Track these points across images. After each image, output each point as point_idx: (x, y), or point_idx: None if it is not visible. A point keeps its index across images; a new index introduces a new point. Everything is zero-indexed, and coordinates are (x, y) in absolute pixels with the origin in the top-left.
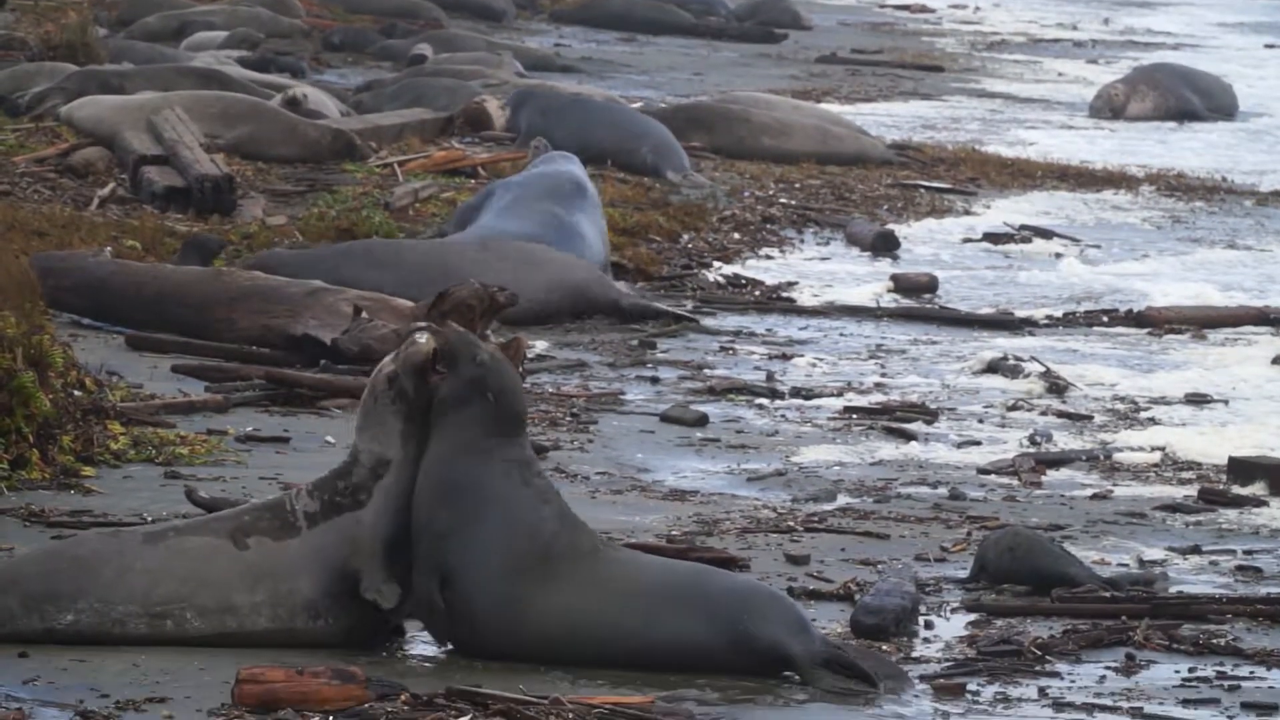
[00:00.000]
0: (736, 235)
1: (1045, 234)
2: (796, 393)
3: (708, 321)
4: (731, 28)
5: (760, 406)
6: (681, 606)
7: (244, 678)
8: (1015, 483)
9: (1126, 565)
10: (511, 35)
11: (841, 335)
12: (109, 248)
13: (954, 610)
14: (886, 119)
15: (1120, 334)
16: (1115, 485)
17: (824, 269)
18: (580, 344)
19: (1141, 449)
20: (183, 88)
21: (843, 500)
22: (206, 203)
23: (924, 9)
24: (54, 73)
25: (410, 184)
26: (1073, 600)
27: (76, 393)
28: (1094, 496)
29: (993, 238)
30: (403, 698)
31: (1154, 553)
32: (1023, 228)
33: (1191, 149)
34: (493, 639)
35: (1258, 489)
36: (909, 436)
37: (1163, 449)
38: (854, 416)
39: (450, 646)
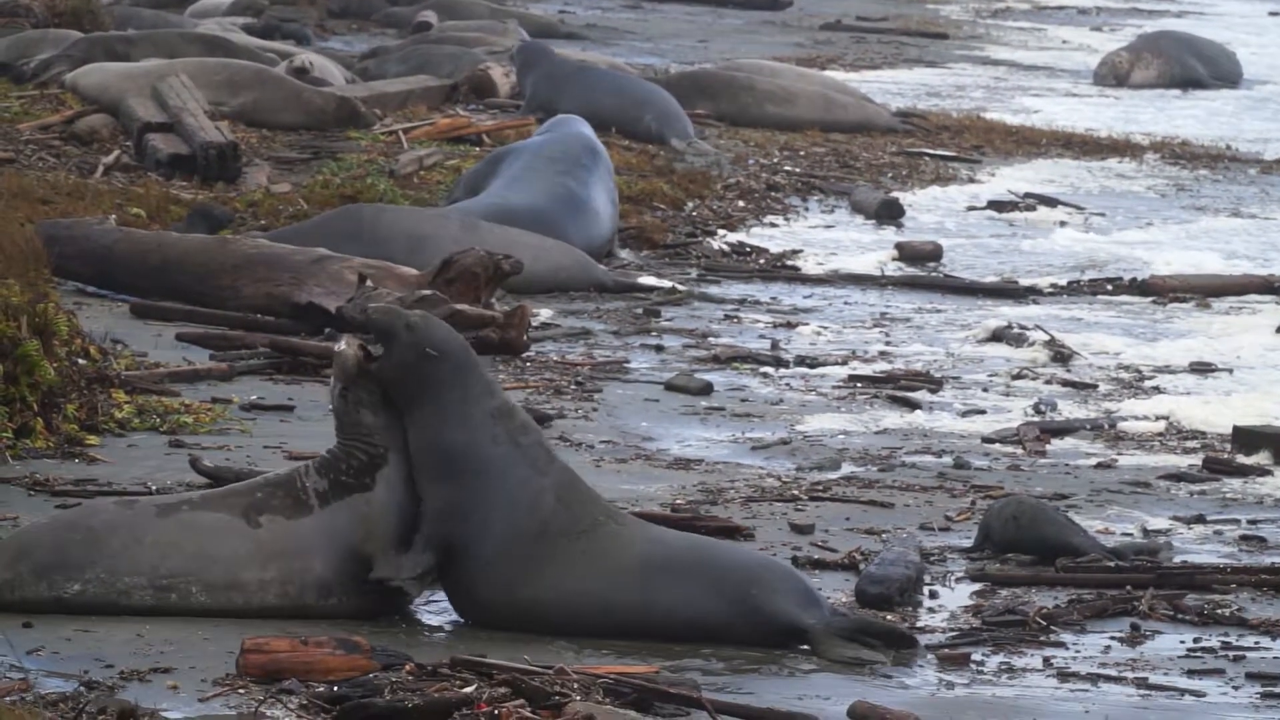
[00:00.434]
0: (741, 203)
1: (1050, 202)
2: (801, 361)
3: (712, 290)
4: None
5: (765, 375)
6: (689, 580)
7: (248, 648)
8: (1020, 452)
9: (1131, 535)
10: (516, 1)
11: (846, 304)
12: (113, 215)
13: (958, 580)
14: (891, 86)
15: (1125, 302)
16: (1120, 454)
17: (828, 237)
18: (585, 312)
19: (1146, 418)
20: (187, 55)
21: (847, 469)
22: (211, 170)
23: None
24: (59, 40)
25: (415, 151)
26: (1077, 570)
27: (81, 361)
28: (1098, 466)
29: (997, 206)
30: (407, 668)
31: (1158, 522)
32: (1027, 196)
33: (1195, 117)
34: (494, 614)
35: (1262, 458)
36: (913, 405)
37: (1167, 418)
38: (858, 385)
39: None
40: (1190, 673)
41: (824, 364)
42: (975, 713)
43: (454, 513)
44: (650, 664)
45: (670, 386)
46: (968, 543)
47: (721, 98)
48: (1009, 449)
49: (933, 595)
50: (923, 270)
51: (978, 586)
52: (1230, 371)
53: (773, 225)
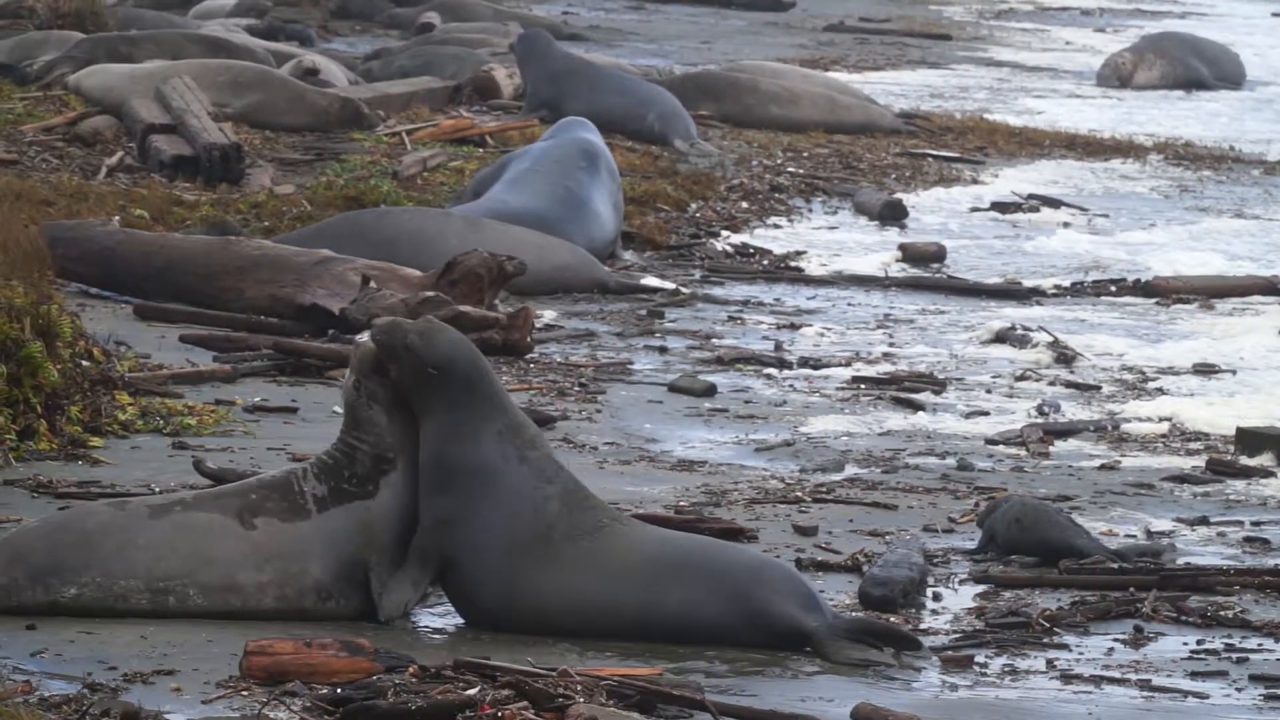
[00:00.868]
0: (744, 204)
1: (1053, 203)
2: (804, 362)
3: (716, 291)
4: None
5: (768, 376)
6: (692, 583)
7: (252, 650)
8: (1023, 453)
9: (1134, 536)
10: (519, 3)
11: (849, 305)
12: (117, 217)
13: (962, 582)
14: (894, 87)
15: (1128, 304)
16: (1123, 456)
17: (832, 238)
18: (588, 314)
19: (1149, 419)
20: (191, 56)
21: (850, 471)
22: (214, 171)
23: None
24: (62, 41)
25: (418, 153)
26: (1081, 572)
27: (84, 363)
28: (1102, 467)
29: (1001, 207)
30: (411, 669)
31: (1162, 524)
32: (1030, 197)
33: (1198, 118)
34: (498, 616)
35: (1265, 459)
36: (917, 407)
37: (1170, 419)
38: (862, 386)
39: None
40: (1193, 675)
41: (827, 365)
42: (978, 715)
43: (453, 524)
44: (654, 666)
45: (674, 388)
46: (971, 544)
47: (725, 99)
48: (1012, 450)
49: (936, 597)
50: (926, 271)
51: (981, 588)
52: (1234, 373)
53: (776, 226)
